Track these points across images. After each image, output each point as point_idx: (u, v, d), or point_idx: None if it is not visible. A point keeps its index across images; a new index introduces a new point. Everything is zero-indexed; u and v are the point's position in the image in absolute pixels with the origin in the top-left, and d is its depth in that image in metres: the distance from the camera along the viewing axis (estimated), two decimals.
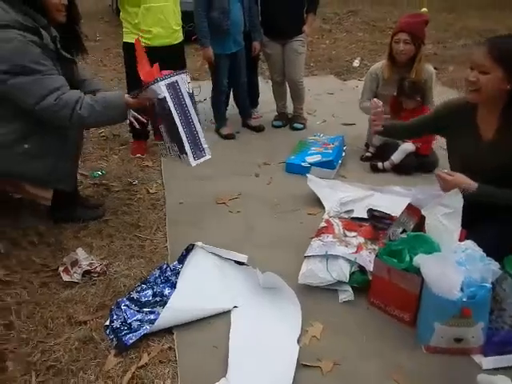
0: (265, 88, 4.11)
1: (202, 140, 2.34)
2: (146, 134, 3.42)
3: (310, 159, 3.05)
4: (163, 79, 2.15)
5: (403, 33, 2.91)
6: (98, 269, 2.11)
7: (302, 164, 3.04)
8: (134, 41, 2.87)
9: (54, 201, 2.47)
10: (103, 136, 3.65)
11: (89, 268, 2.09)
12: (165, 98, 2.15)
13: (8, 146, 2.06)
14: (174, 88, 2.18)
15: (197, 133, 2.29)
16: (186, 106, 2.24)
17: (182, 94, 2.21)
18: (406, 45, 2.92)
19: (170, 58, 3.02)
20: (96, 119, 2.07)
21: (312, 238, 2.21)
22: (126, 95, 2.18)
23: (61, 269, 2.09)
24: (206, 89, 4.37)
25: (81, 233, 2.41)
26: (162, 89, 2.15)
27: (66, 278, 2.05)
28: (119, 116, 2.16)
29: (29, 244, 2.29)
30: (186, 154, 2.29)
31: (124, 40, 3.02)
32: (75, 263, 2.10)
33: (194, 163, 2.33)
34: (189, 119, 2.25)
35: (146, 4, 2.83)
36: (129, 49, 3.00)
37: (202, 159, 2.36)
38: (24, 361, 1.65)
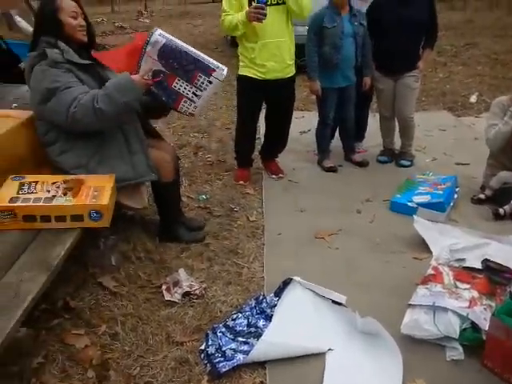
0: (371, 121, 4.03)
1: (211, 59, 2.32)
2: (251, 163, 3.52)
3: (418, 199, 2.90)
4: (152, 32, 2.21)
5: None
6: (197, 291, 2.17)
7: (409, 204, 2.89)
8: (248, 74, 3.06)
9: (160, 220, 2.63)
10: (209, 161, 3.83)
11: (189, 289, 2.17)
12: (166, 40, 2.19)
13: (85, 164, 2.18)
14: (162, 35, 2.22)
15: (204, 56, 2.29)
16: (180, 42, 2.27)
17: (170, 37, 2.24)
18: None
19: (281, 90, 3.11)
20: (116, 106, 2.06)
21: (417, 284, 2.08)
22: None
23: (164, 287, 2.19)
24: (310, 119, 4.43)
25: (183, 253, 2.52)
26: (158, 37, 2.19)
27: (167, 296, 2.14)
28: (135, 92, 2.12)
29: (137, 259, 2.43)
30: (215, 69, 2.27)
31: (239, 72, 3.16)
32: (177, 283, 2.19)
33: (224, 72, 2.29)
34: (190, 49, 2.27)
35: (263, 40, 2.94)
36: (242, 81, 3.15)
37: (225, 68, 2.32)
38: (125, 373, 1.73)
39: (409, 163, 3.64)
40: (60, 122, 2.10)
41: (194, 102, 2.31)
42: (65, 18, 2.15)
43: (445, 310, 1.82)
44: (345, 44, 3.21)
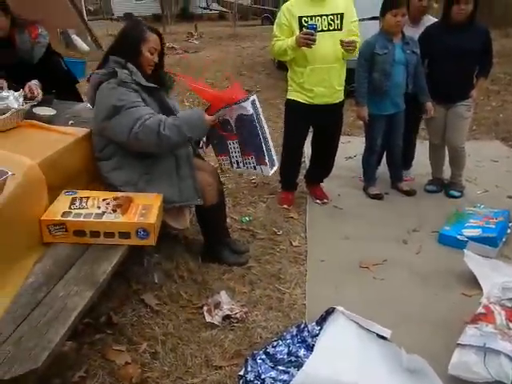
0: (420, 149, 3.93)
1: (273, 151, 2.51)
2: (295, 186, 3.50)
3: (468, 233, 2.78)
4: (248, 98, 2.31)
5: None
6: (237, 315, 2.16)
7: (459, 237, 2.78)
8: (296, 98, 3.08)
9: (204, 240, 2.66)
10: (254, 183, 3.84)
11: (229, 313, 2.15)
12: (252, 114, 2.32)
13: (135, 183, 2.25)
14: (254, 105, 2.35)
15: (270, 146, 2.48)
16: (262, 121, 2.41)
17: (258, 111, 2.39)
18: None
19: (328, 115, 3.10)
20: (181, 137, 2.14)
21: (467, 323, 1.98)
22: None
23: (205, 308, 2.19)
24: (356, 145, 4.38)
25: (225, 275, 2.51)
26: (249, 106, 2.30)
27: (208, 318, 2.14)
28: (201, 131, 2.25)
29: (179, 278, 2.45)
30: (266, 164, 2.45)
31: (287, 96, 3.18)
32: (218, 305, 2.19)
33: (271, 172, 2.51)
34: (264, 133, 2.43)
35: (312, 65, 2.95)
36: (290, 105, 3.17)
37: (275, 168, 2.55)
38: None
39: (459, 194, 3.51)
40: (120, 139, 2.18)
41: (232, 166, 2.56)
42: (145, 51, 2.25)
43: (497, 352, 1.73)
44: (395, 71, 3.17)
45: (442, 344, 1.93)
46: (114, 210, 1.98)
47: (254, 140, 2.40)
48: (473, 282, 2.39)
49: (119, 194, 2.11)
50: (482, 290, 2.28)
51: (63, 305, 1.57)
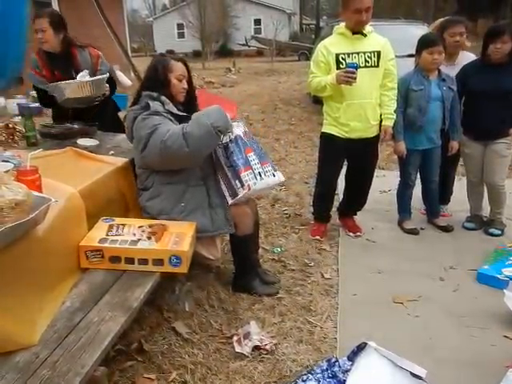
0: (457, 185, 3.85)
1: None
2: (328, 218, 3.49)
3: (509, 272, 2.67)
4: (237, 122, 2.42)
5: None
6: (267, 346, 2.13)
7: (499, 276, 2.67)
8: (332, 132, 3.10)
9: (236, 270, 2.67)
10: (286, 214, 3.85)
11: (259, 344, 2.13)
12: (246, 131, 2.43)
13: (169, 211, 2.30)
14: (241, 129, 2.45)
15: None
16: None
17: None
18: None
19: (363, 149, 3.11)
20: (203, 129, 2.16)
21: (508, 367, 1.88)
22: None
23: (235, 338, 2.18)
24: (391, 179, 4.33)
25: (255, 306, 2.50)
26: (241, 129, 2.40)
27: (237, 348, 2.13)
28: (221, 117, 2.25)
29: (210, 307, 2.46)
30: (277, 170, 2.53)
31: (322, 130, 3.21)
32: (247, 335, 2.17)
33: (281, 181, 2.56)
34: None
35: (349, 101, 2.99)
36: (325, 138, 3.19)
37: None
38: None
39: (499, 232, 3.39)
40: (156, 161, 2.25)
41: (256, 179, 2.37)
42: (173, 79, 2.38)
43: None
44: (431, 107, 3.15)
45: None
46: (149, 238, 2.04)
47: (260, 151, 2.48)
48: None
49: (154, 222, 2.18)
50: None
51: (97, 330, 1.60)
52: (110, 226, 2.10)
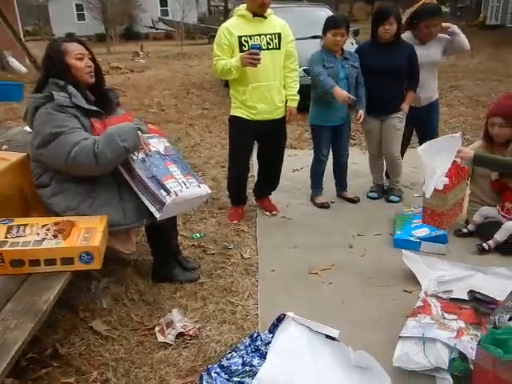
0: (362, 159, 4.10)
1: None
2: (244, 201, 3.55)
3: (418, 233, 2.94)
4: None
5: (497, 117, 2.84)
6: (191, 332, 2.15)
7: (411, 239, 2.93)
8: (239, 115, 3.13)
9: (154, 260, 2.64)
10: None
11: (182, 330, 2.15)
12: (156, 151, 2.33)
13: (75, 208, 2.21)
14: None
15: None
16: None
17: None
18: (501, 128, 2.84)
19: (271, 130, 3.19)
20: (115, 148, 2.11)
21: (408, 317, 2.09)
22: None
23: (157, 329, 2.17)
24: (302, 158, 4.51)
25: (177, 293, 2.50)
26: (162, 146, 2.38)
27: (160, 338, 2.12)
28: (133, 137, 2.19)
29: (129, 301, 2.41)
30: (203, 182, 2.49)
31: (231, 113, 3.24)
32: (170, 324, 2.18)
33: (208, 193, 2.47)
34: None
35: (254, 83, 3.03)
36: (233, 122, 3.23)
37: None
38: None
39: (397, 199, 3.69)
40: (58, 166, 2.15)
41: (182, 187, 2.26)
42: (71, 61, 2.23)
43: (434, 340, 1.85)
44: (339, 85, 3.25)
45: (386, 339, 2.02)
46: (55, 236, 1.94)
47: (183, 165, 2.41)
48: (412, 279, 2.52)
49: (60, 219, 2.07)
50: (420, 285, 2.41)
51: (2, 340, 1.51)
52: (9, 228, 1.96)
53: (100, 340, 2.11)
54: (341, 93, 3.15)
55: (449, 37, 3.51)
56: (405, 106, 3.47)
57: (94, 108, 2.27)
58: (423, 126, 3.71)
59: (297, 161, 4.56)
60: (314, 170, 3.71)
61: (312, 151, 3.70)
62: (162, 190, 2.18)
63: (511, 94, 3.07)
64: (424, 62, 3.45)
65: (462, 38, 3.49)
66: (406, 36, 3.51)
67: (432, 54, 3.50)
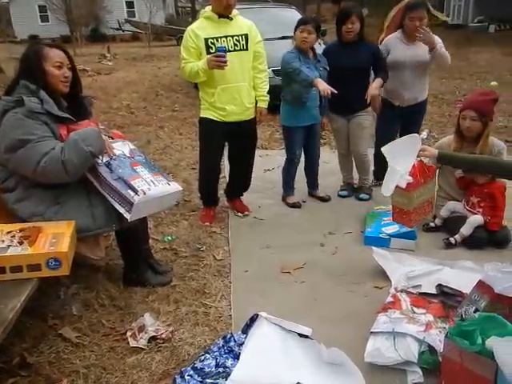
0: (332, 157, 4.15)
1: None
2: (216, 202, 3.54)
3: (388, 230, 3.00)
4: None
5: (470, 110, 2.92)
6: (163, 335, 2.14)
7: (381, 236, 2.99)
8: (209, 116, 3.12)
9: (125, 264, 2.60)
10: (175, 202, 3.82)
11: (155, 334, 2.13)
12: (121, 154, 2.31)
13: (42, 213, 2.16)
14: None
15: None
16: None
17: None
18: (473, 122, 2.93)
19: (241, 131, 3.20)
20: (81, 154, 2.08)
21: (378, 312, 2.13)
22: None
23: (129, 334, 2.14)
24: (274, 158, 4.54)
25: (149, 297, 2.48)
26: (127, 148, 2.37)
27: (132, 343, 2.10)
28: (97, 142, 2.16)
29: (100, 306, 2.37)
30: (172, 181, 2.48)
31: (200, 115, 3.23)
32: (142, 328, 2.15)
33: (179, 191, 2.47)
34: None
35: (222, 85, 3.03)
36: (203, 123, 3.22)
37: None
38: None
39: (367, 197, 3.76)
40: (25, 173, 2.10)
41: (150, 186, 2.22)
42: (49, 68, 2.17)
43: (404, 335, 1.89)
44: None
45: (358, 335, 2.06)
46: (21, 242, 1.90)
47: (150, 165, 2.40)
48: (383, 276, 2.57)
49: (26, 225, 2.02)
50: (390, 281, 2.47)
51: None
52: None
53: (70, 347, 2.07)
54: (323, 83, 3.17)
55: (440, 42, 3.45)
56: (370, 91, 3.35)
57: (66, 115, 2.22)
58: (404, 126, 3.73)
59: (268, 161, 4.59)
60: (286, 170, 3.73)
61: (283, 151, 3.73)
62: (129, 190, 2.15)
63: (486, 91, 3.20)
64: (409, 61, 3.48)
65: (444, 58, 3.42)
66: (396, 35, 3.55)
67: (419, 55, 3.46)
